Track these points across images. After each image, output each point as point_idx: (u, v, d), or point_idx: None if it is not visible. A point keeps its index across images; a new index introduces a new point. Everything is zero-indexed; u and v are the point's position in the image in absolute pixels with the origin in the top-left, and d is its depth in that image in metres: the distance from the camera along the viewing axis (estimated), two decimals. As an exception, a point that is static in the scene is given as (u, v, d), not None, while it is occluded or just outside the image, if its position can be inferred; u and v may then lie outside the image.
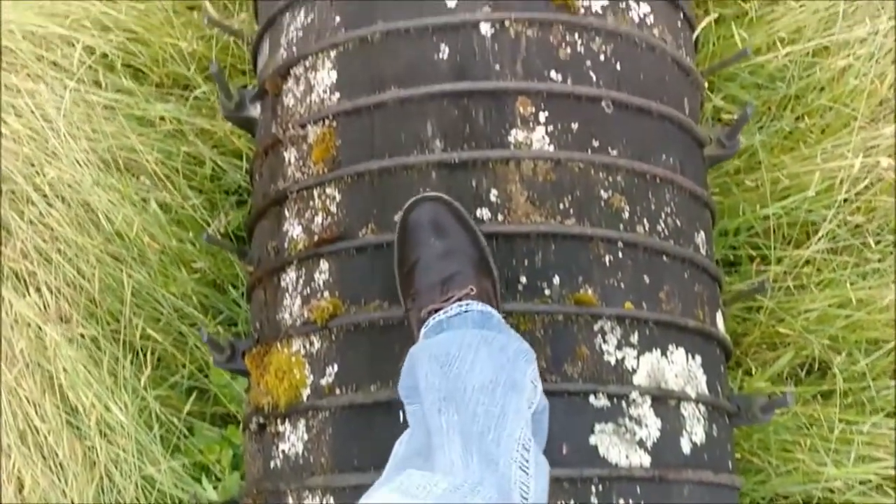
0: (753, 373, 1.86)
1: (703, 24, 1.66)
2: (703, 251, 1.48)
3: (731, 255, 1.94)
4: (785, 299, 1.87)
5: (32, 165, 1.89)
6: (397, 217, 1.28)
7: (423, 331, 1.17)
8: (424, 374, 1.07)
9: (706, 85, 1.78)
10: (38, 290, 1.81)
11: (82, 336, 1.78)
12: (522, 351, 1.12)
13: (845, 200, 1.83)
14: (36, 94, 1.93)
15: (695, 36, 1.63)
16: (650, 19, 1.48)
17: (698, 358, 1.40)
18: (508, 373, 1.05)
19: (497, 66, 1.37)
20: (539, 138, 1.35)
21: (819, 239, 1.83)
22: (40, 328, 1.78)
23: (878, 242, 1.86)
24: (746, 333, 1.89)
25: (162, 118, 1.97)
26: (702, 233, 1.49)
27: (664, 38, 1.49)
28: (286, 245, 1.43)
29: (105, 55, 2.01)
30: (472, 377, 1.04)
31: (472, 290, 1.18)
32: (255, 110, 1.60)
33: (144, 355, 1.82)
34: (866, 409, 1.83)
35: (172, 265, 1.89)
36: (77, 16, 2.02)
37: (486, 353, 1.07)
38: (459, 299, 1.17)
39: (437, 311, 1.17)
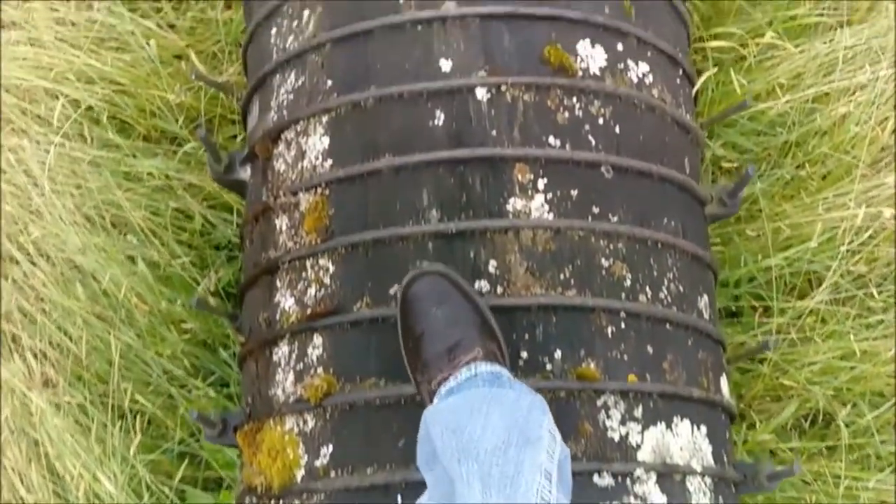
0: (757, 425, 1.82)
1: (703, 79, 1.63)
2: (706, 315, 1.44)
3: (734, 305, 1.90)
4: (788, 351, 1.83)
5: (16, 224, 1.84)
6: (396, 291, 1.24)
7: (435, 401, 1.16)
8: (440, 435, 1.06)
9: (705, 134, 1.76)
10: (21, 355, 1.76)
11: (69, 402, 1.73)
12: (536, 403, 1.09)
13: (848, 251, 1.79)
14: (19, 150, 1.88)
15: (695, 90, 1.59)
16: (649, 79, 1.45)
17: (703, 428, 1.36)
18: (521, 428, 1.04)
19: (494, 132, 1.34)
20: (538, 206, 1.32)
21: (822, 290, 1.80)
22: (25, 394, 1.73)
23: (880, 293, 1.82)
24: (750, 386, 1.85)
25: (150, 173, 1.93)
26: (705, 296, 1.45)
27: (663, 98, 1.46)
28: (278, 317, 1.38)
29: (90, 108, 1.96)
30: (483, 441, 1.02)
31: (478, 352, 1.17)
32: (245, 173, 1.56)
33: (134, 420, 1.76)
34: (871, 463, 1.79)
35: (161, 326, 1.84)
36: (61, 68, 1.97)
37: (498, 413, 1.05)
38: (467, 363, 1.15)
39: (446, 379, 1.15)
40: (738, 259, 1.86)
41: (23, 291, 1.81)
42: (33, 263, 1.84)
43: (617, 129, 1.39)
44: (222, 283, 1.93)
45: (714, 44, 1.94)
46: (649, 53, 1.47)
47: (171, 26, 2.10)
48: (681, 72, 1.54)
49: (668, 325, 1.35)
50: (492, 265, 1.29)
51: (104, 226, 1.89)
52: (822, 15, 1.99)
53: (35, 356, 1.76)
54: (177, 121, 2.01)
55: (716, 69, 1.75)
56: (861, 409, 1.80)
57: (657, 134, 1.44)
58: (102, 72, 1.97)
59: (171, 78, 2.02)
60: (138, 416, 1.78)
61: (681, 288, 1.39)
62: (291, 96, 1.46)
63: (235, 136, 2.06)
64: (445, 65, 1.37)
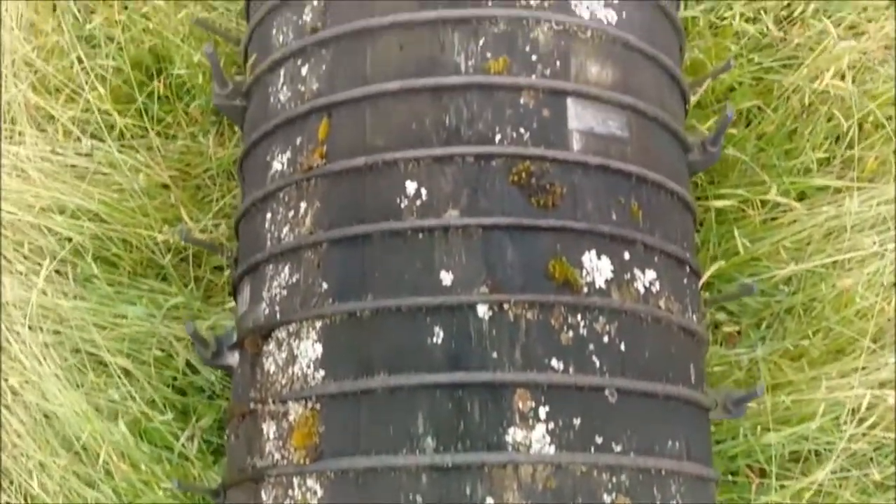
0: None
1: (711, 271, 1.58)
2: (708, 535, 1.39)
3: (732, 479, 1.85)
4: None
5: (-8, 372, 1.78)
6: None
7: None
8: None
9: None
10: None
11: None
12: None
13: (852, 435, 1.75)
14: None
15: (701, 284, 1.55)
16: (656, 287, 1.40)
17: None
18: None
19: (494, 354, 1.28)
20: (539, 438, 1.26)
21: (823, 470, 1.75)
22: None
23: (882, 473, 1.78)
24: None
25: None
26: (707, 514, 1.40)
27: (670, 308, 1.41)
28: (262, 536, 1.32)
29: (72, 240, 1.90)
30: None
31: None
32: (233, 359, 1.50)
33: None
34: None
35: (141, 483, 1.77)
36: (47, 202, 1.91)
37: None
38: None
39: None
40: (735, 431, 1.81)
41: (-2, 445, 1.75)
42: (10, 412, 1.78)
43: (622, 347, 1.34)
44: (205, 432, 1.87)
45: (718, 203, 1.90)
46: (656, 259, 1.42)
47: (161, 154, 2.04)
48: (687, 269, 1.49)
49: (669, 557, 1.30)
50: (489, 503, 1.23)
51: (84, 370, 1.83)
52: (830, 172, 1.95)
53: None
54: (163, 257, 1.95)
55: (722, 262, 1.70)
56: None
57: (664, 347, 1.39)
58: (88, 208, 1.91)
59: (157, 211, 1.96)
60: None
61: (683, 513, 1.34)
62: (284, 292, 1.40)
63: (221, 268, 2.00)
64: (446, 277, 1.31)
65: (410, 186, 1.35)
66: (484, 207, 1.34)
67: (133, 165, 1.94)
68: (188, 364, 1.92)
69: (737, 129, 1.98)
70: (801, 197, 2.00)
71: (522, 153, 1.36)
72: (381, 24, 1.42)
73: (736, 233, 1.88)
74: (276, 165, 1.48)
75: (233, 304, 1.68)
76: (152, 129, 2.00)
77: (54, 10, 1.97)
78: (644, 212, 1.43)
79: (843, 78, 1.84)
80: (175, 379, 1.91)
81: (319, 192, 1.40)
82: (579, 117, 1.41)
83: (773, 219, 1.93)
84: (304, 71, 1.48)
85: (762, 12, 1.97)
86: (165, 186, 2.02)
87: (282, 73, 1.51)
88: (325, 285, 1.36)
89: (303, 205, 1.42)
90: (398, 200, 1.35)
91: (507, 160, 1.36)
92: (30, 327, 1.78)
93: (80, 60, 1.99)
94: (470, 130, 1.37)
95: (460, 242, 1.33)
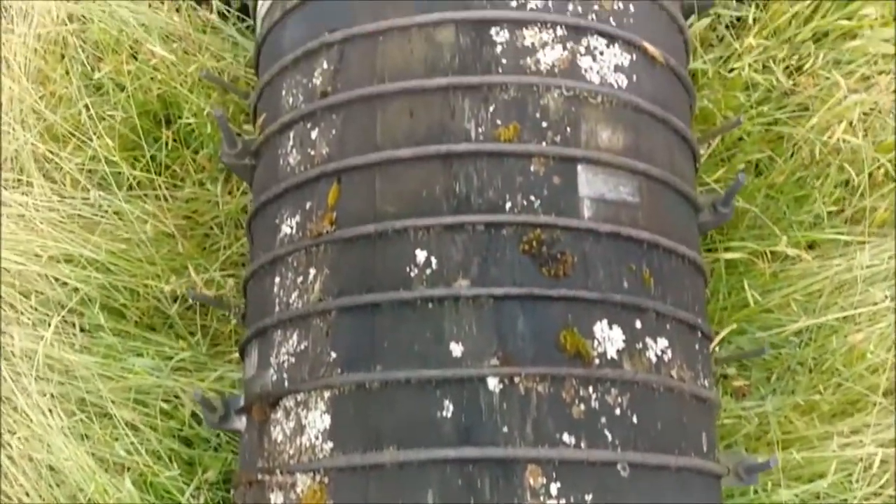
0: None
1: (722, 335, 1.57)
2: None
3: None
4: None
5: (-2, 422, 1.77)
6: None
7: None
8: None
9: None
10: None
11: None
12: None
13: (864, 495, 1.73)
14: (9, 338, 1.81)
15: (713, 349, 1.54)
16: (668, 355, 1.39)
17: None
18: None
19: (505, 429, 1.27)
20: (549, 514, 1.25)
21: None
22: None
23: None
24: None
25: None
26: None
27: (682, 377, 1.40)
28: None
29: (76, 289, 1.89)
30: None
31: None
32: (240, 423, 1.49)
33: None
34: None
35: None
36: (54, 252, 1.90)
37: None
38: None
39: None
40: (747, 486, 1.79)
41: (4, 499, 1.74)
42: (15, 464, 1.77)
43: (634, 419, 1.32)
44: (210, 485, 1.86)
45: (728, 255, 1.89)
46: (668, 326, 1.41)
47: (168, 202, 2.03)
48: (699, 334, 1.48)
49: None
50: (499, 581, 1.22)
51: (90, 422, 1.82)
52: (841, 224, 1.94)
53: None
54: (170, 307, 1.95)
55: (734, 326, 1.69)
56: None
57: (676, 417, 1.37)
58: (96, 256, 1.90)
59: (165, 260, 1.95)
60: None
61: (695, 587, 1.32)
62: (293, 360, 1.39)
63: (227, 317, 1.99)
64: (456, 349, 1.30)
65: (420, 255, 1.35)
66: (494, 277, 1.33)
67: (140, 216, 1.93)
68: (193, 415, 1.91)
69: (746, 179, 1.96)
70: (811, 245, 1.99)
71: (533, 221, 1.35)
72: (391, 90, 1.42)
73: (746, 285, 1.86)
74: (286, 229, 1.47)
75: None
76: (160, 177, 1.99)
77: (62, 58, 1.97)
78: (655, 278, 1.42)
79: (851, 124, 1.83)
80: (181, 429, 1.90)
81: (329, 258, 1.39)
82: (590, 184, 1.40)
83: (783, 270, 1.91)
84: (313, 134, 1.47)
85: (771, 62, 1.96)
86: (172, 235, 2.01)
87: (291, 135, 1.51)
88: (333, 354, 1.35)
89: (312, 271, 1.41)
90: (408, 269, 1.34)
91: (518, 228, 1.35)
92: (36, 379, 1.77)
93: (87, 108, 1.98)
94: (480, 198, 1.36)
95: (471, 313, 1.32)
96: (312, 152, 1.47)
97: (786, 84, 1.91)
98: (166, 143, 2.03)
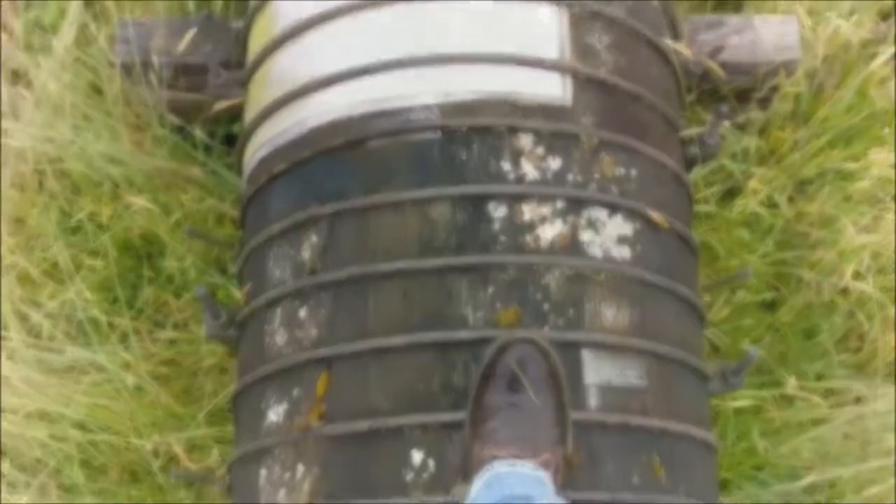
0: None
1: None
2: None
3: None
4: None
5: None
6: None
7: (478, 478, 1.16)
8: None
9: None
10: None
11: None
12: None
13: None
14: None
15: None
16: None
17: None
18: None
19: None
20: None
21: None
22: None
23: None
24: None
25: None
26: None
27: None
28: None
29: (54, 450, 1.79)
30: None
31: (544, 456, 1.18)
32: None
33: None
34: None
35: None
36: (29, 409, 1.81)
37: None
38: (522, 458, 1.16)
39: (498, 458, 1.17)
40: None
41: None
42: None
43: None
44: None
45: (735, 404, 1.81)
46: (681, 518, 1.32)
47: (150, 346, 1.94)
48: None
49: None
50: None
51: None
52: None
53: None
54: (154, 458, 1.85)
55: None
56: None
57: None
58: (75, 414, 1.80)
59: (145, 412, 1.86)
60: None
61: None
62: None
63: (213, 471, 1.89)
64: (457, 562, 1.21)
65: (416, 456, 1.26)
66: (497, 482, 1.24)
67: (120, 365, 1.84)
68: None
69: (753, 318, 1.90)
70: (819, 380, 1.91)
71: (537, 416, 1.27)
72: (383, 270, 1.34)
73: (755, 434, 1.79)
74: (272, 416, 1.38)
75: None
76: (140, 321, 1.91)
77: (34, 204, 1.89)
78: (666, 468, 1.33)
79: (860, 273, 1.77)
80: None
81: (318, 456, 1.31)
82: (596, 370, 1.32)
83: (794, 415, 1.83)
84: (301, 314, 1.39)
85: (775, 195, 1.90)
86: (156, 378, 1.92)
87: (278, 312, 1.43)
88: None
89: (300, 468, 1.32)
90: (403, 473, 1.25)
91: (521, 425, 1.27)
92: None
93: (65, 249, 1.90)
94: (480, 392, 1.28)
95: None
96: (300, 334, 1.38)
97: (789, 214, 1.85)
98: (148, 282, 1.96)
